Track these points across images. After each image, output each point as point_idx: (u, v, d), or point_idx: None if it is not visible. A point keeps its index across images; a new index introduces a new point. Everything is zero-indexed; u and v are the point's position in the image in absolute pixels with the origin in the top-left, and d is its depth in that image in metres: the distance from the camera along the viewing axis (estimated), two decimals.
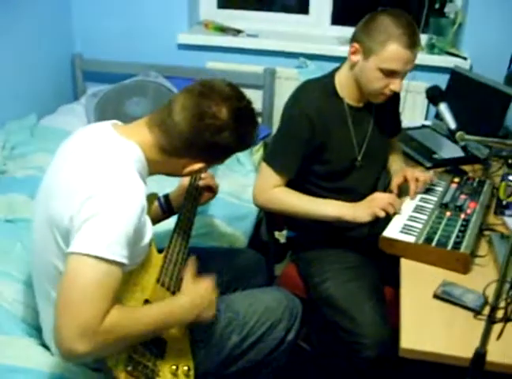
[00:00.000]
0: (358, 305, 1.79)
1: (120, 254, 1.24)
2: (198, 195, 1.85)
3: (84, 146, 1.41)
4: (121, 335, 1.24)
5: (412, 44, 1.76)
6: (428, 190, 2.00)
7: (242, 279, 1.89)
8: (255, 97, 3.04)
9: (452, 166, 2.26)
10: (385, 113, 2.03)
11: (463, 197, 1.94)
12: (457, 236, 1.69)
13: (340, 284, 1.87)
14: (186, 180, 1.84)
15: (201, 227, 2.22)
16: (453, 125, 1.88)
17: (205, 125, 1.41)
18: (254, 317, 1.65)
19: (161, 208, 1.85)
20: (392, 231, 1.74)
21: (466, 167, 2.26)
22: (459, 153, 2.17)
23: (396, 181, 2.00)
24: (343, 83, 1.92)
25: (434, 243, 1.67)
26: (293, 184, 1.93)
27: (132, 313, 1.31)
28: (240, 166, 2.71)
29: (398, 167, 2.12)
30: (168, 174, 1.55)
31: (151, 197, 1.73)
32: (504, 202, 1.91)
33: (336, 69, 1.96)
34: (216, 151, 1.48)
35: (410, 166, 2.20)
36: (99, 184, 1.28)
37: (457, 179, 2.07)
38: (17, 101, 2.92)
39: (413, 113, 2.98)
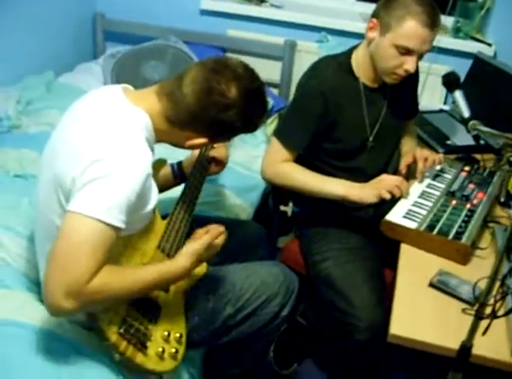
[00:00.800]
0: (355, 287, 1.79)
1: (118, 218, 1.26)
2: (208, 165, 1.85)
3: (94, 109, 1.41)
4: (109, 294, 1.27)
5: (431, 23, 1.71)
6: (437, 177, 1.98)
7: (242, 252, 1.89)
8: (274, 68, 3.07)
9: (464, 154, 2.24)
10: (401, 95, 2.00)
11: (471, 186, 1.92)
12: (460, 226, 1.68)
13: (339, 265, 1.87)
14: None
15: (208, 196, 2.22)
16: (466, 113, 1.83)
17: (212, 101, 1.40)
18: (250, 289, 1.66)
19: (173, 174, 1.85)
20: (395, 215, 1.74)
21: (479, 156, 2.23)
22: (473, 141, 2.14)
23: (405, 161, 1.99)
24: (359, 62, 1.89)
25: (435, 231, 1.66)
26: (302, 160, 1.93)
27: (122, 273, 1.32)
28: (252, 137, 2.70)
29: (409, 149, 2.10)
30: (172, 145, 1.54)
31: (159, 163, 1.74)
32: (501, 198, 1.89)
33: (355, 47, 1.93)
34: (220, 129, 1.47)
35: None
36: (106, 148, 1.29)
37: (467, 168, 2.05)
38: (36, 57, 2.92)
39: (432, 96, 2.94)
